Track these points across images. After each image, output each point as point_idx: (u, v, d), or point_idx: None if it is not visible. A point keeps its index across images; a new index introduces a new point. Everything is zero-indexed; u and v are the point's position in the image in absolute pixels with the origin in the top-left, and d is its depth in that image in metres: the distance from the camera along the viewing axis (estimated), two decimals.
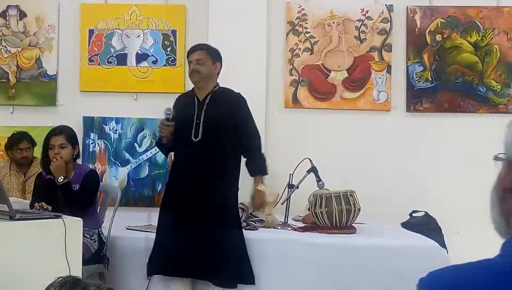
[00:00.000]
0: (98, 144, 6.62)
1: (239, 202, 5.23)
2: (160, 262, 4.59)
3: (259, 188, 4.74)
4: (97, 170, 6.25)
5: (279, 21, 6.56)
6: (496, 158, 1.41)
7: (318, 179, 5.35)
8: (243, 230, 4.89)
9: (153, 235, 4.81)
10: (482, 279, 1.21)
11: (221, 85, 4.81)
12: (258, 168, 4.79)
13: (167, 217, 4.63)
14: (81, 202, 4.62)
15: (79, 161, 5.07)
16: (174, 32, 6.65)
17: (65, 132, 4.77)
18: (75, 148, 4.77)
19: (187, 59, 4.83)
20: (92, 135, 6.61)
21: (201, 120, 4.61)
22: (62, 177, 4.59)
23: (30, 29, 6.75)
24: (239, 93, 4.80)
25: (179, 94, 5.13)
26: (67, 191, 4.59)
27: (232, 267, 4.59)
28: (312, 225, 5.19)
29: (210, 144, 4.57)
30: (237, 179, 4.76)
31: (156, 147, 6.39)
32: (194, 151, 4.58)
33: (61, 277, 2.57)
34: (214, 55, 4.74)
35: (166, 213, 4.65)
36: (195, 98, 4.72)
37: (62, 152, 4.65)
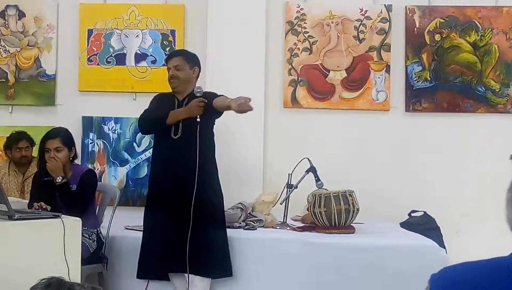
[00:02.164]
0: (97, 144, 6.62)
1: (238, 202, 5.24)
2: (151, 265, 4.65)
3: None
4: (95, 170, 6.26)
5: (278, 21, 6.56)
6: None
7: (317, 179, 5.36)
8: (242, 229, 4.89)
9: None
10: (493, 277, 1.21)
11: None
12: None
13: (152, 217, 4.69)
14: (79, 201, 4.60)
15: (78, 161, 5.06)
16: (173, 32, 6.64)
17: (61, 134, 4.72)
18: (71, 150, 4.73)
19: (166, 66, 4.91)
20: (91, 135, 6.61)
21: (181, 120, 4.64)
22: (61, 177, 4.58)
23: (29, 29, 6.75)
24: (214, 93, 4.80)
25: (162, 92, 5.15)
26: (65, 191, 4.58)
27: (213, 259, 4.62)
28: (311, 225, 5.19)
29: (188, 140, 4.58)
30: (217, 173, 4.80)
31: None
32: (173, 148, 4.63)
33: (44, 279, 2.57)
34: (191, 60, 4.83)
35: (150, 212, 4.71)
36: (176, 98, 4.82)
37: (58, 155, 4.61)
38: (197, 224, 4.51)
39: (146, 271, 4.68)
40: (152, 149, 5.03)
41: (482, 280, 1.21)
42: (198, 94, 4.59)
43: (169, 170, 4.62)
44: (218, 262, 4.64)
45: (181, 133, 4.62)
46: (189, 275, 4.53)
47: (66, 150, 4.68)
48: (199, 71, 4.87)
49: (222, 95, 4.62)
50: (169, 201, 4.57)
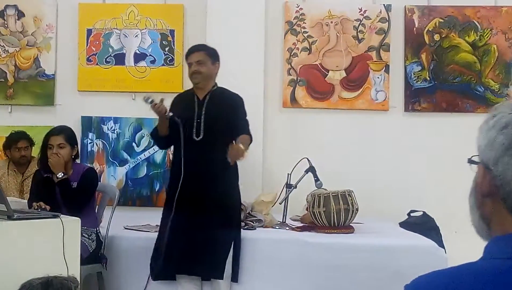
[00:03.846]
0: (96, 143, 6.62)
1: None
2: (166, 265, 4.59)
3: (239, 144, 4.57)
4: None
5: (277, 21, 6.56)
6: (470, 161, 1.40)
7: (316, 179, 5.36)
8: (241, 229, 4.89)
9: (151, 235, 4.81)
10: (465, 283, 1.21)
11: (219, 85, 4.83)
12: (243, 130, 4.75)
13: (171, 217, 4.60)
14: (79, 199, 4.62)
15: (77, 161, 5.06)
16: (172, 31, 6.64)
17: (64, 132, 4.77)
18: (74, 148, 4.76)
19: (186, 61, 4.84)
20: (90, 134, 6.61)
21: (202, 119, 4.64)
22: (62, 173, 4.60)
23: (28, 29, 6.75)
24: (237, 94, 4.86)
25: (177, 94, 5.14)
26: (65, 187, 4.59)
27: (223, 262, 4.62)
28: (310, 224, 5.19)
29: (212, 143, 4.59)
30: (238, 177, 4.79)
31: (154, 147, 6.43)
32: (196, 150, 4.59)
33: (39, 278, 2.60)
34: (213, 56, 4.78)
35: (170, 213, 4.63)
36: (195, 97, 4.75)
37: (61, 152, 4.64)
38: (218, 227, 4.54)
39: (166, 272, 4.63)
40: (173, 150, 4.95)
41: (454, 287, 1.22)
42: (147, 102, 4.53)
43: (192, 172, 4.57)
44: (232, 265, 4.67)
45: (203, 135, 4.61)
46: (215, 280, 4.60)
47: (69, 148, 4.70)
48: (219, 67, 4.84)
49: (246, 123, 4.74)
50: (192, 203, 4.54)
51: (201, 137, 4.61)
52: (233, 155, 4.48)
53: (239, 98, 4.85)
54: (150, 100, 4.52)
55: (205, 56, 4.73)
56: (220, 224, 4.58)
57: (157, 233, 4.76)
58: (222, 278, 4.60)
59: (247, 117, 4.82)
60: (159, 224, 4.97)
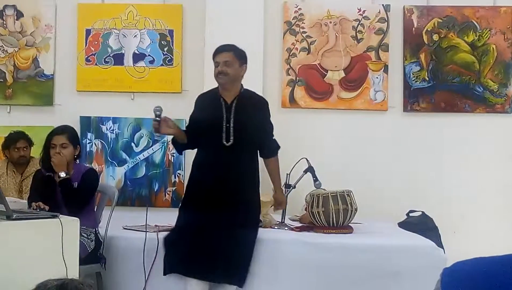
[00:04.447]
0: (95, 143, 6.62)
1: None
2: (183, 261, 4.55)
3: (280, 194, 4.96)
4: None
5: (276, 21, 6.56)
6: None
7: (315, 179, 5.36)
8: None
9: (150, 235, 4.80)
10: (503, 273, 1.22)
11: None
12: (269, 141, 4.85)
13: (193, 218, 4.56)
14: (80, 199, 4.62)
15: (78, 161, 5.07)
16: (171, 32, 6.64)
17: (67, 131, 4.77)
18: (76, 148, 4.77)
19: (213, 59, 4.72)
20: (89, 134, 6.61)
21: (231, 124, 4.58)
22: (64, 173, 4.60)
23: (27, 29, 6.74)
24: (263, 97, 4.90)
25: (200, 94, 5.02)
26: (66, 186, 4.60)
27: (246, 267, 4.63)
28: (309, 225, 5.19)
29: (241, 148, 4.58)
30: (259, 183, 4.83)
31: (153, 147, 6.44)
32: (225, 155, 4.56)
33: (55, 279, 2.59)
34: (241, 57, 4.69)
35: (192, 214, 4.58)
36: (221, 100, 4.68)
37: (63, 151, 4.65)
38: (247, 235, 4.59)
39: (186, 267, 4.57)
40: (196, 152, 4.87)
41: (494, 275, 1.22)
42: (156, 114, 4.52)
43: (220, 176, 4.55)
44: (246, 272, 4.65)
45: (233, 140, 4.56)
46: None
47: (72, 147, 4.71)
48: (246, 69, 4.74)
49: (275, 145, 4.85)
50: (221, 208, 4.50)
51: (231, 142, 4.56)
52: (278, 207, 4.93)
53: (265, 102, 4.86)
54: (158, 112, 4.52)
55: (233, 57, 4.63)
56: (249, 232, 4.62)
57: (157, 232, 4.76)
58: (242, 287, 4.61)
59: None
60: (158, 224, 4.98)
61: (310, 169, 5.42)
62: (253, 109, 4.71)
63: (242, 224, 4.56)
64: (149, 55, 6.65)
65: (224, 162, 4.56)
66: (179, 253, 4.58)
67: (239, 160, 4.58)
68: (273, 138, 4.88)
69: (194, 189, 4.73)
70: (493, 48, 6.47)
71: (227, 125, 4.58)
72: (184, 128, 4.87)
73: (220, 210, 4.50)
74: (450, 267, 1.32)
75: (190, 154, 6.54)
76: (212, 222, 4.50)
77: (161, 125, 4.54)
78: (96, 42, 6.67)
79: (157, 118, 4.53)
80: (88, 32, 6.68)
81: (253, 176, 4.70)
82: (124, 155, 6.61)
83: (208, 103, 4.75)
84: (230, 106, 4.65)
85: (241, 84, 4.74)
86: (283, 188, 5.27)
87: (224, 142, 4.56)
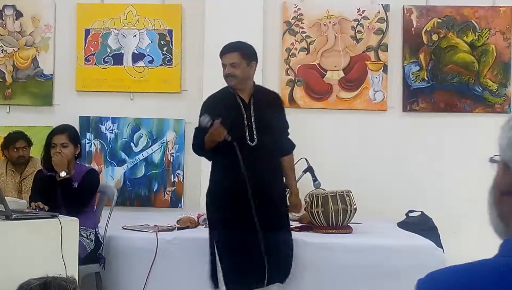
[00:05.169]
0: (94, 143, 6.62)
1: None
2: (244, 275, 4.39)
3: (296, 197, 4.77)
4: None
5: (276, 21, 6.56)
6: (491, 160, 1.41)
7: (314, 179, 5.36)
8: None
9: (150, 235, 4.80)
10: (480, 280, 1.22)
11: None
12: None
13: (239, 228, 4.38)
14: (80, 199, 4.62)
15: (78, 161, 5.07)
16: (170, 31, 6.64)
17: (68, 131, 4.77)
18: (76, 147, 4.77)
19: (221, 60, 4.54)
20: (88, 134, 6.61)
21: (253, 123, 4.44)
22: (65, 172, 4.60)
23: (27, 29, 6.74)
24: (276, 93, 4.87)
25: (211, 94, 4.75)
26: (67, 186, 4.59)
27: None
28: (308, 224, 5.19)
29: (266, 147, 4.44)
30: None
31: (152, 147, 6.45)
32: (251, 155, 4.37)
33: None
34: (248, 55, 4.50)
35: (236, 224, 4.38)
36: (238, 98, 4.51)
37: (64, 151, 4.65)
38: (286, 231, 4.59)
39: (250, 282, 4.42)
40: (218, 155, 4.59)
41: (468, 284, 1.22)
42: (203, 124, 4.35)
43: (249, 177, 4.34)
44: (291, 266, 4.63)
45: (257, 139, 4.41)
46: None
47: (72, 147, 4.71)
48: (256, 65, 4.57)
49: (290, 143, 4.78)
50: (255, 209, 4.34)
51: (255, 142, 4.41)
52: (293, 210, 4.74)
53: (279, 97, 4.87)
54: (206, 121, 4.33)
55: (239, 58, 4.44)
56: (287, 226, 4.63)
57: (157, 232, 4.75)
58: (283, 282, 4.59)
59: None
60: (157, 224, 4.97)
61: (309, 169, 5.43)
62: (270, 106, 4.60)
63: (281, 222, 4.55)
64: (148, 55, 6.65)
65: (252, 161, 4.36)
66: (239, 268, 4.39)
67: (267, 158, 4.45)
68: (288, 136, 4.79)
69: (222, 192, 4.50)
70: (492, 48, 6.48)
71: (249, 124, 4.44)
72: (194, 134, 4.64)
73: (261, 213, 4.34)
74: (424, 277, 1.32)
75: (190, 154, 6.55)
76: (257, 226, 4.33)
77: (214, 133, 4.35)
78: (95, 42, 6.67)
79: (210, 124, 4.32)
80: (87, 32, 6.68)
81: (281, 173, 4.63)
82: (123, 155, 6.61)
83: (224, 104, 4.52)
84: (249, 105, 4.49)
85: (253, 81, 4.61)
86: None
87: (249, 142, 4.40)
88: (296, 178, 5.35)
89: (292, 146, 4.79)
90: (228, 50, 4.52)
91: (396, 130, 6.49)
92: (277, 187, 4.60)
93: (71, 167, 4.72)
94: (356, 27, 6.52)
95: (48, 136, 4.77)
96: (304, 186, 5.39)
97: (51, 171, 4.68)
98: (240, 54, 4.47)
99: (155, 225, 5.01)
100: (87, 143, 6.60)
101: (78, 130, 6.31)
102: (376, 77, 6.48)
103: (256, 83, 6.17)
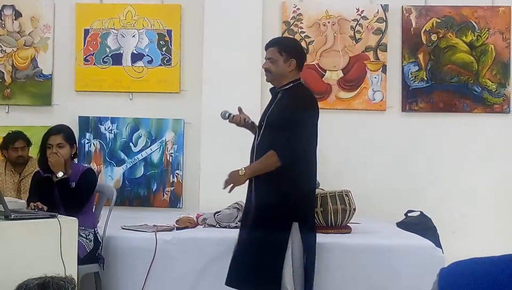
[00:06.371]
0: (93, 143, 6.62)
1: (234, 202, 5.22)
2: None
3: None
4: None
5: (275, 21, 6.56)
6: None
7: None
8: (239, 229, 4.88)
9: (148, 235, 4.80)
10: (500, 273, 1.22)
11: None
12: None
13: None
14: (78, 199, 4.61)
15: (75, 160, 5.06)
16: (169, 31, 6.64)
17: (63, 131, 4.76)
18: (73, 147, 4.75)
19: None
20: (87, 134, 6.61)
21: (264, 119, 4.33)
22: (62, 173, 4.59)
23: (26, 29, 6.74)
24: (301, 97, 4.34)
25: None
26: (64, 187, 4.58)
27: None
28: None
29: (265, 145, 4.26)
30: None
31: (151, 147, 6.46)
32: (253, 152, 4.35)
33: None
34: (287, 51, 4.28)
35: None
36: (274, 90, 4.43)
37: (60, 151, 4.63)
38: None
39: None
40: None
41: (491, 275, 1.23)
42: (225, 118, 4.37)
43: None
44: None
45: (259, 139, 4.32)
46: None
47: (68, 147, 4.70)
48: (296, 62, 4.27)
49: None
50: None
51: (258, 140, 4.32)
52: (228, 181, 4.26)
53: (299, 101, 4.31)
54: (227, 114, 4.38)
55: (276, 54, 4.26)
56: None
57: (156, 232, 4.75)
58: None
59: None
60: (156, 224, 4.96)
61: None
62: (281, 106, 4.30)
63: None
64: (147, 55, 6.65)
65: (253, 158, 4.38)
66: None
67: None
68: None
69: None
70: (491, 48, 6.48)
71: (262, 123, 4.36)
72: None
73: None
74: (447, 267, 1.32)
75: (190, 154, 6.56)
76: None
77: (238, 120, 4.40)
78: (94, 42, 6.67)
79: (230, 116, 4.41)
80: (86, 32, 6.68)
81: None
82: (123, 155, 6.61)
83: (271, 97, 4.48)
84: (276, 95, 4.38)
85: (298, 78, 4.34)
86: None
87: (256, 139, 4.38)
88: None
89: (283, 152, 4.29)
90: (269, 44, 4.39)
91: (395, 130, 6.50)
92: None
93: (68, 167, 4.71)
94: (355, 27, 6.52)
95: (44, 137, 4.75)
96: None
97: (48, 172, 4.67)
98: (278, 49, 4.30)
99: (154, 225, 5.00)
100: (86, 143, 6.60)
101: (77, 130, 6.36)
102: (375, 77, 6.48)
103: (255, 83, 6.18)
